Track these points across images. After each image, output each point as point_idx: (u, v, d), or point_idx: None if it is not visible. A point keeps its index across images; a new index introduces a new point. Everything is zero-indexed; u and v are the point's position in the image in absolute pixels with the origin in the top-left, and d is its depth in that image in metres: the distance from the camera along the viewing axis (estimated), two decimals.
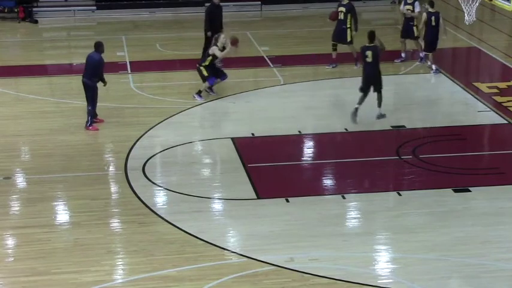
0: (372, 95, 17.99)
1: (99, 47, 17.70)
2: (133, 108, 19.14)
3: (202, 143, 17.25)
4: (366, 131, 17.69)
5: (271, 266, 12.21)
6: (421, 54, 22.15)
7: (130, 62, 22.86)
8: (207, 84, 19.57)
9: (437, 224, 13.54)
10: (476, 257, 12.43)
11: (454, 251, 12.64)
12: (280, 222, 13.60)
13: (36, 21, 28.14)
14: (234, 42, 19.68)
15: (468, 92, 20.10)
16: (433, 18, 21.09)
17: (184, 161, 16.41)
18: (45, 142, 17.19)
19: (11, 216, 14.10)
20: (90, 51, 17.91)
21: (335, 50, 21.84)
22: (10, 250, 13.03)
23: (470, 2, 20.28)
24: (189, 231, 13.26)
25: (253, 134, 17.52)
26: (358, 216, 14.15)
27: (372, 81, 18.00)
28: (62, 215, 14.28)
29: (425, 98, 20.00)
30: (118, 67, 22.06)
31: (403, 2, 22.25)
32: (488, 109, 18.93)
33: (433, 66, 21.50)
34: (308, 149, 17.22)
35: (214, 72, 19.58)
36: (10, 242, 13.28)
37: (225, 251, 12.71)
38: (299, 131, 17.65)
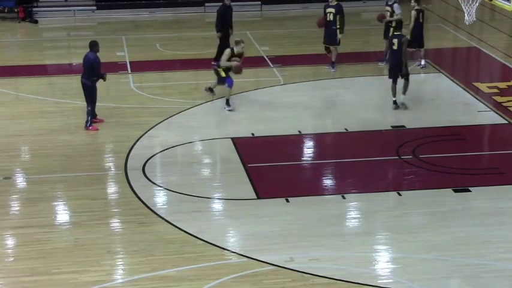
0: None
1: (93, 46, 17.68)
2: (133, 108, 19.14)
3: (202, 143, 17.25)
4: (366, 131, 17.69)
5: (271, 266, 12.21)
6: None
7: (130, 62, 22.86)
8: (228, 89, 18.80)
9: (437, 224, 13.54)
10: (476, 257, 12.43)
11: (454, 251, 12.64)
12: (280, 222, 13.60)
13: (36, 21, 28.14)
14: (237, 71, 18.88)
15: (468, 92, 20.10)
16: (420, 14, 21.31)
17: (184, 161, 16.41)
18: (45, 142, 17.19)
19: (11, 216, 14.10)
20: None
21: (330, 51, 21.80)
22: (10, 250, 13.03)
23: (470, 2, 20.29)
24: (189, 231, 13.27)
25: (253, 134, 17.52)
26: (358, 216, 14.15)
27: (397, 69, 18.83)
28: (62, 215, 14.28)
29: (425, 98, 19.99)
30: (118, 67, 22.06)
31: (385, 3, 22.17)
32: (488, 109, 18.92)
33: (422, 61, 21.66)
34: (308, 149, 17.22)
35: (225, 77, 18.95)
36: (10, 242, 13.28)
37: (225, 251, 12.71)
38: (299, 131, 17.64)
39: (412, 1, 21.54)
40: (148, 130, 17.73)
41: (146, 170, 15.68)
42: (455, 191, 14.74)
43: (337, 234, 13.25)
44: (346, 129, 17.70)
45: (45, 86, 21.28)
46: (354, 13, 25.46)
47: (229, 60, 18.80)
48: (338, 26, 21.47)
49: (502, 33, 25.92)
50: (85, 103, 17.94)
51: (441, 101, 19.84)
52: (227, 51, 18.94)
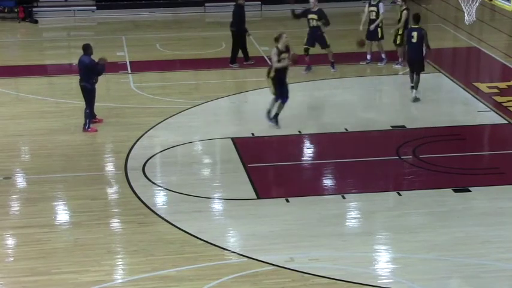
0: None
1: (87, 49, 17.65)
2: (133, 108, 19.14)
3: (202, 143, 17.25)
4: (366, 131, 17.69)
5: (271, 266, 12.21)
6: (383, 55, 22.14)
7: (130, 62, 22.86)
8: (281, 105, 17.63)
9: (437, 224, 13.53)
10: (476, 257, 12.43)
11: (454, 251, 12.64)
12: (280, 222, 13.60)
13: (36, 21, 28.15)
14: (294, 62, 17.99)
15: (468, 92, 20.10)
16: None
17: (184, 161, 16.41)
18: (45, 142, 17.19)
19: (11, 216, 14.10)
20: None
21: (308, 54, 21.67)
22: (10, 250, 13.03)
23: (470, 2, 20.31)
24: (189, 231, 13.26)
25: (253, 134, 17.52)
26: (358, 216, 14.15)
27: (414, 62, 19.25)
28: (62, 215, 14.28)
29: (425, 98, 19.99)
30: (118, 67, 22.06)
31: (367, 4, 22.15)
32: (488, 109, 18.92)
33: (400, 60, 21.86)
34: (308, 149, 17.22)
35: (280, 93, 17.71)
36: (10, 242, 13.28)
37: (225, 251, 12.71)
38: (299, 131, 17.64)
39: (400, 1, 21.60)
40: (148, 130, 17.73)
41: (146, 170, 15.69)
42: (455, 191, 14.74)
43: (337, 234, 13.25)
44: (346, 129, 17.70)
45: (45, 86, 21.29)
46: (354, 13, 25.42)
47: (279, 60, 17.56)
48: (323, 31, 21.39)
49: (502, 33, 25.93)
50: (84, 103, 17.93)
51: (441, 101, 19.84)
52: (274, 52, 17.55)
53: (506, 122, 18.18)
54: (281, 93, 17.62)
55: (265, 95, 20.21)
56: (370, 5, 21.93)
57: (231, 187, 15.01)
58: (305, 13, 21.71)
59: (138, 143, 17.06)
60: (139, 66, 22.47)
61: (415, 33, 19.09)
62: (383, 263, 12.53)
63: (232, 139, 17.15)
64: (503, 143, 17.19)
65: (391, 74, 21.65)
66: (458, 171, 15.64)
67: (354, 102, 19.30)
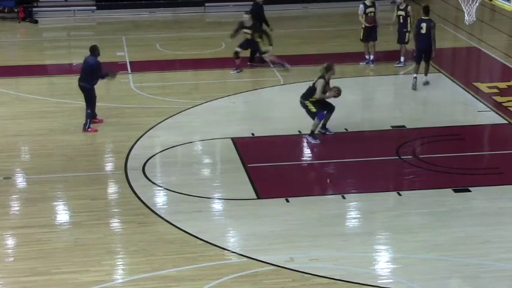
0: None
1: (94, 50, 17.65)
2: (133, 108, 19.14)
3: (202, 143, 17.25)
4: (366, 131, 17.69)
5: (271, 266, 12.21)
6: (371, 57, 22.11)
7: (130, 62, 22.86)
8: (317, 121, 17.01)
9: (437, 224, 13.54)
10: (476, 257, 12.43)
11: (454, 251, 12.64)
12: (280, 222, 13.60)
13: (36, 21, 28.15)
14: (338, 94, 17.23)
15: (468, 92, 20.10)
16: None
17: (184, 161, 16.41)
18: (45, 142, 17.19)
19: (11, 216, 14.10)
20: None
21: (238, 57, 21.58)
22: (10, 250, 13.03)
23: (470, 2, 20.31)
24: (189, 231, 13.26)
25: (253, 134, 17.52)
26: (358, 216, 14.15)
27: (423, 52, 19.99)
28: (62, 215, 14.28)
29: (425, 98, 20.00)
30: (118, 67, 22.00)
31: (361, 6, 22.09)
32: (488, 109, 18.92)
33: (402, 59, 22.02)
34: (308, 149, 17.20)
35: (322, 106, 17.18)
36: (10, 242, 13.28)
37: (225, 251, 12.71)
38: (299, 131, 17.64)
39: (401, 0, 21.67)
40: (148, 130, 17.73)
41: (146, 170, 15.69)
42: (455, 191, 14.74)
43: (337, 234, 13.25)
44: (346, 129, 17.70)
45: (45, 86, 21.29)
46: (354, 13, 25.40)
47: (324, 92, 17.00)
48: (258, 40, 21.50)
49: (502, 33, 25.93)
50: (85, 104, 17.93)
51: (441, 101, 19.84)
52: (321, 83, 16.96)
53: (506, 122, 18.18)
54: (320, 110, 17.11)
55: (265, 95, 20.24)
56: (367, 7, 21.89)
57: (231, 187, 15.01)
58: (239, 27, 21.72)
59: (138, 143, 17.05)
60: (139, 66, 22.47)
61: (424, 24, 19.83)
62: (383, 263, 12.54)
63: (232, 139, 17.15)
64: (503, 143, 17.19)
65: (391, 74, 21.64)
66: (458, 171, 15.64)
67: (354, 102, 19.29)
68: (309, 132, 17.01)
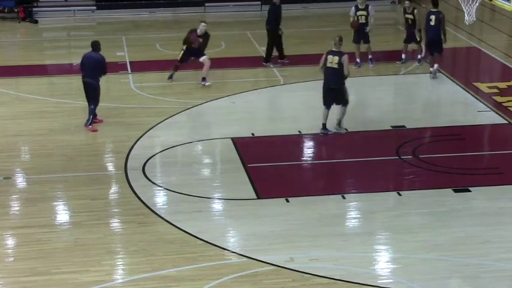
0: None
1: (96, 46, 17.67)
2: (133, 108, 19.14)
3: (202, 143, 17.25)
4: (366, 131, 17.69)
5: (271, 266, 12.20)
6: (370, 57, 22.16)
7: (130, 62, 22.86)
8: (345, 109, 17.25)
9: (437, 224, 13.53)
10: (476, 257, 12.43)
11: (454, 251, 12.64)
12: (280, 222, 13.60)
13: (36, 21, 28.15)
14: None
15: (468, 92, 20.10)
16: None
17: (184, 161, 16.41)
18: (45, 142, 17.19)
19: (11, 216, 14.10)
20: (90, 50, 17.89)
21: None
22: (10, 250, 13.03)
23: (470, 2, 20.31)
24: (189, 231, 13.26)
25: (253, 134, 17.52)
26: (358, 216, 14.15)
27: (433, 43, 20.68)
28: (62, 215, 14.28)
29: (425, 98, 20.01)
30: (118, 67, 22.05)
31: (353, 8, 22.06)
32: (488, 109, 18.92)
33: (403, 56, 22.31)
34: (308, 149, 17.21)
35: None
36: (10, 242, 13.28)
37: (225, 251, 12.70)
38: (299, 131, 17.64)
39: (407, 2, 21.71)
40: (148, 130, 17.72)
41: (146, 170, 15.68)
42: (455, 191, 14.74)
43: (337, 234, 13.25)
44: (346, 129, 17.68)
45: (45, 86, 21.29)
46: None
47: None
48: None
49: (502, 33, 25.92)
50: (85, 103, 17.93)
51: (441, 101, 19.85)
52: (347, 58, 17.12)
53: (506, 122, 18.18)
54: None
55: (265, 95, 20.22)
56: (358, 9, 21.86)
57: (231, 187, 15.01)
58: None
59: (138, 143, 17.05)
60: (139, 66, 22.47)
61: (433, 17, 20.45)
62: (383, 263, 12.54)
63: (232, 139, 17.14)
64: (503, 143, 17.19)
65: (391, 74, 21.64)
66: (458, 171, 15.64)
67: (354, 102, 19.26)
68: (319, 129, 17.28)
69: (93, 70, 17.60)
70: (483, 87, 20.41)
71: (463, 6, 20.49)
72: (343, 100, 17.28)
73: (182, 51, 20.54)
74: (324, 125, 17.36)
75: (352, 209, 14.34)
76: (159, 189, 14.98)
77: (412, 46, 22.24)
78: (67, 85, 20.87)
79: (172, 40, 25.38)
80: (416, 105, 19.42)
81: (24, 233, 13.34)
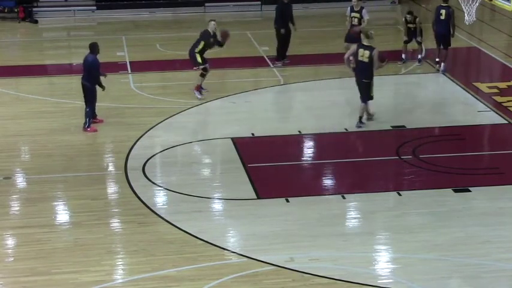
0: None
1: (93, 48, 17.66)
2: (133, 108, 19.14)
3: (202, 143, 17.25)
4: (366, 131, 17.69)
5: (271, 266, 12.21)
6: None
7: (130, 62, 22.86)
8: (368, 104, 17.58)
9: (437, 224, 13.54)
10: (476, 257, 12.43)
11: (454, 251, 12.64)
12: (280, 222, 13.60)
13: (36, 21, 28.14)
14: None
15: (468, 92, 20.10)
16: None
17: (184, 161, 16.41)
18: (45, 142, 17.19)
19: (11, 216, 14.10)
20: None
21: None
22: (10, 250, 13.03)
23: (470, 2, 20.33)
24: (189, 231, 13.26)
25: (253, 134, 17.52)
26: (358, 216, 14.15)
27: (441, 36, 21.08)
28: (62, 215, 14.28)
29: (426, 98, 20.00)
30: (118, 67, 22.06)
31: (349, 9, 22.06)
32: (488, 109, 18.92)
33: (403, 56, 22.37)
34: (308, 149, 17.21)
35: None
36: (10, 242, 13.28)
37: (225, 251, 12.71)
38: (299, 131, 17.64)
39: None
40: (148, 130, 17.72)
41: (146, 170, 15.68)
42: (455, 191, 14.74)
43: (337, 234, 13.25)
44: (346, 129, 17.70)
45: (45, 86, 21.28)
46: None
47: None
48: (197, 51, 20.83)
49: (502, 33, 25.93)
50: (84, 102, 17.93)
51: (441, 101, 19.84)
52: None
53: (506, 122, 18.18)
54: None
55: (265, 95, 20.21)
56: (352, 11, 21.84)
57: (231, 187, 15.01)
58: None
59: (138, 143, 17.05)
60: (139, 66, 22.47)
61: (443, 11, 20.73)
62: (383, 263, 12.54)
63: (232, 139, 17.14)
64: (503, 143, 17.19)
65: (391, 74, 21.63)
66: (458, 171, 15.64)
67: (353, 102, 19.26)
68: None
69: (88, 72, 17.61)
70: (483, 87, 20.41)
71: (463, 6, 20.50)
72: (366, 96, 17.54)
73: (199, 56, 19.70)
74: (360, 118, 17.73)
75: (352, 209, 14.34)
76: (159, 189, 14.98)
77: (412, 45, 22.23)
78: (67, 85, 20.87)
79: (172, 40, 25.41)
80: (416, 105, 19.41)
81: (24, 233, 13.34)
